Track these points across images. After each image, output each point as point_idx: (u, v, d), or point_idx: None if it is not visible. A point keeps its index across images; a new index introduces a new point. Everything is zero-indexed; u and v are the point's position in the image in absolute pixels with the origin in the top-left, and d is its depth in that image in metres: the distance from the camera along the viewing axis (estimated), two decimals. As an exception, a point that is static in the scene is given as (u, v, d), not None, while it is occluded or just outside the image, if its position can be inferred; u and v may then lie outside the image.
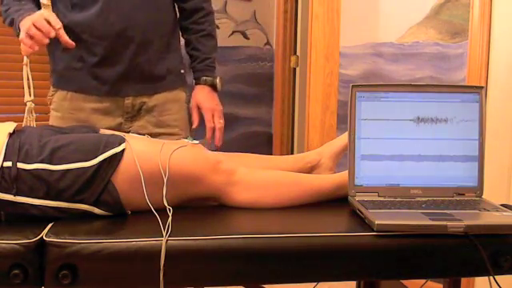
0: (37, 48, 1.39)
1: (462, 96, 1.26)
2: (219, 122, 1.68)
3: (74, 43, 1.43)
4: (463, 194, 1.26)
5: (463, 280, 1.60)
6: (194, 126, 1.70)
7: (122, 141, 1.17)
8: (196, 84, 1.70)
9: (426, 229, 1.06)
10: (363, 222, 1.12)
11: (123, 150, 1.15)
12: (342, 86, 2.73)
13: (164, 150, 1.19)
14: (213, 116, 1.67)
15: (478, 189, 1.26)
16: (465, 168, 1.26)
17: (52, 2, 1.49)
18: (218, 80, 1.70)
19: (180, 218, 1.12)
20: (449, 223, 1.05)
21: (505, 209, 1.18)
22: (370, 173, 1.26)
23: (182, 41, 1.74)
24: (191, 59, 1.72)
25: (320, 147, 1.50)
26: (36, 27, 1.36)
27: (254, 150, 1.54)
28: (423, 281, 1.41)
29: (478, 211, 1.14)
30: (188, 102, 1.73)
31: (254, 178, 1.27)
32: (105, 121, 1.58)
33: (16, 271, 0.99)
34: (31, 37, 1.37)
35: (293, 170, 1.38)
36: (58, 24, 1.39)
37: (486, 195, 1.26)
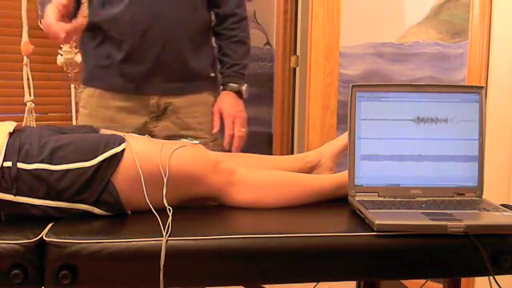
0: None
1: (462, 96, 1.26)
2: (239, 130, 1.65)
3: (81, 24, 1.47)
4: (463, 194, 1.26)
5: (463, 280, 1.60)
6: (214, 131, 1.68)
7: (121, 141, 1.17)
8: (222, 90, 1.68)
9: (425, 229, 1.06)
10: (363, 222, 1.12)
11: (123, 150, 1.15)
12: (342, 86, 2.73)
13: (164, 150, 1.19)
14: (234, 123, 1.65)
15: (478, 189, 1.26)
16: (465, 168, 1.26)
17: None
18: (244, 87, 1.68)
19: (180, 218, 1.12)
20: (449, 223, 1.05)
21: (505, 209, 1.18)
22: (369, 173, 1.26)
23: None
24: (221, 65, 1.70)
25: (320, 147, 1.50)
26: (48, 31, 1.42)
27: (253, 150, 1.53)
28: (423, 281, 1.41)
29: (478, 211, 1.14)
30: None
31: (254, 177, 1.27)
32: (130, 119, 1.59)
33: (16, 271, 0.99)
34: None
35: (293, 169, 1.38)
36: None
37: (486, 195, 1.26)
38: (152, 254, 1.01)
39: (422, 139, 1.26)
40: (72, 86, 2.50)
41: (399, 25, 2.48)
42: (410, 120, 1.26)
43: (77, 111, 2.53)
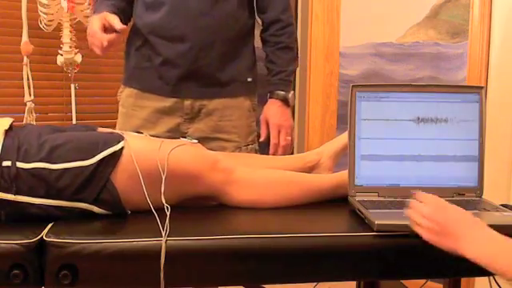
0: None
1: (462, 96, 1.26)
2: (285, 139, 1.65)
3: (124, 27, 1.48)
4: (463, 194, 1.26)
5: (463, 280, 1.60)
6: (261, 140, 1.69)
7: (120, 139, 1.17)
8: (269, 98, 1.68)
9: (425, 229, 1.06)
10: (363, 222, 1.12)
11: (122, 149, 1.15)
12: (342, 86, 2.73)
13: (162, 149, 1.19)
14: (279, 132, 1.65)
15: (478, 189, 1.26)
16: (465, 168, 1.26)
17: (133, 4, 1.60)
18: (290, 95, 1.67)
19: (180, 217, 1.12)
20: (449, 223, 1.05)
21: (505, 209, 1.18)
22: (369, 173, 1.26)
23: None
24: (267, 72, 1.69)
25: (320, 147, 1.50)
26: (91, 39, 1.47)
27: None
28: (423, 281, 1.41)
29: (478, 211, 1.14)
30: (253, 110, 1.71)
31: (254, 177, 1.27)
32: (164, 120, 1.61)
33: (16, 271, 0.99)
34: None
35: (293, 169, 1.38)
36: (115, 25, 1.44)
37: (486, 195, 1.26)
38: (152, 254, 1.01)
39: (422, 139, 1.26)
40: (72, 86, 2.50)
41: (399, 25, 2.47)
42: (410, 120, 1.26)
43: (78, 111, 2.55)
